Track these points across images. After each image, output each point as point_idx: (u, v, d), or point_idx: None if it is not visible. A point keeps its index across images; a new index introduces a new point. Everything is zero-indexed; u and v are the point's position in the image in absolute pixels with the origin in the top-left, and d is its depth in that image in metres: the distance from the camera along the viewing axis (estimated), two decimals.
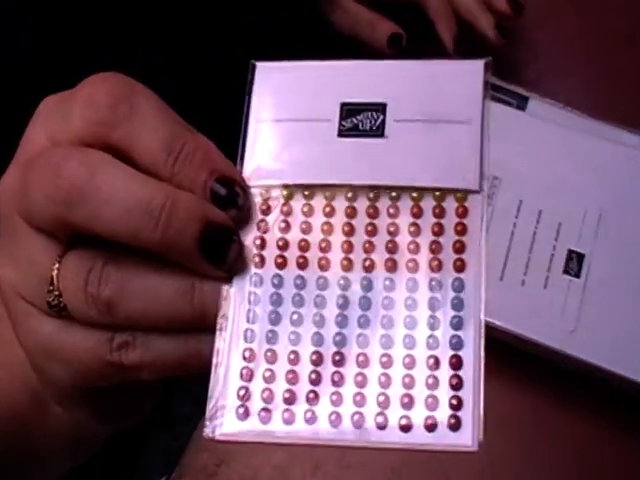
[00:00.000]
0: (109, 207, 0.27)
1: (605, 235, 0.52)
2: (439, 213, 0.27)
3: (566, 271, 0.51)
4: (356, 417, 0.25)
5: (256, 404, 0.26)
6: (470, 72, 0.28)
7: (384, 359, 0.25)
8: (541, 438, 0.51)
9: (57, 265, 0.29)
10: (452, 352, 0.25)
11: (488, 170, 0.27)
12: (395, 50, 0.56)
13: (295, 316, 0.26)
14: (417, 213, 0.27)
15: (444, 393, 0.24)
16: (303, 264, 0.27)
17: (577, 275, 0.51)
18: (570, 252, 0.52)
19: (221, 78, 0.36)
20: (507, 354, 0.51)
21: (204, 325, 0.28)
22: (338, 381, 0.25)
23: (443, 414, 0.24)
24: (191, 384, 0.53)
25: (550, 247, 0.52)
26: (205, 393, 0.47)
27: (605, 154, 0.54)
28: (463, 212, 0.27)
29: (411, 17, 0.60)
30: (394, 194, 0.27)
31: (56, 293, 0.29)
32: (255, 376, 0.26)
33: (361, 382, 0.25)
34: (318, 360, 0.26)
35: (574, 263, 0.51)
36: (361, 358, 0.25)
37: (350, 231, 0.27)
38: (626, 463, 0.51)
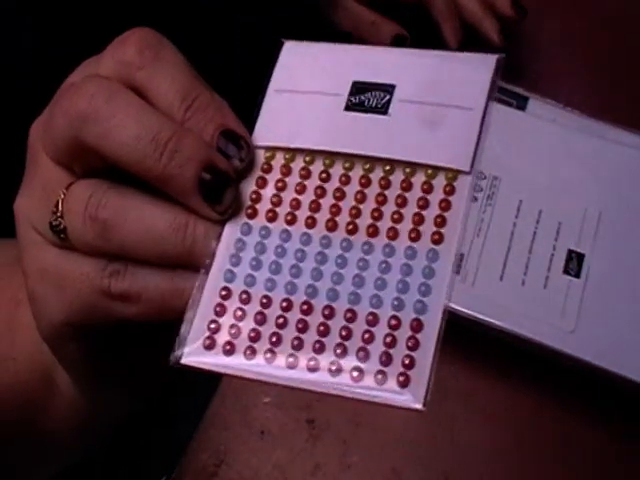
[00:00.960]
0: (120, 130, 0.28)
1: (605, 235, 0.52)
2: (427, 189, 0.28)
3: (566, 271, 0.51)
4: (312, 362, 0.26)
5: (223, 337, 0.28)
6: (481, 65, 0.31)
7: (348, 314, 0.27)
8: (541, 438, 0.51)
9: (64, 191, 0.30)
10: (414, 315, 0.26)
11: (481, 157, 0.28)
12: None
13: (274, 265, 0.28)
14: (406, 187, 0.28)
15: (399, 351, 0.26)
16: (291, 221, 0.29)
17: (577, 275, 0.51)
18: (570, 252, 0.52)
19: (221, 78, 0.37)
20: (507, 354, 0.51)
21: (191, 263, 0.29)
22: (302, 328, 0.27)
23: (394, 370, 0.25)
24: (191, 385, 0.53)
25: (550, 247, 0.52)
26: (204, 389, 0.47)
27: (605, 154, 0.54)
28: (450, 190, 0.28)
29: (413, 18, 0.60)
30: (388, 167, 0.29)
31: (58, 214, 0.30)
32: (227, 313, 0.28)
33: (322, 332, 0.27)
34: (287, 307, 0.27)
35: (574, 263, 0.51)
36: (327, 311, 0.27)
37: (341, 197, 0.29)
38: (626, 463, 0.51)
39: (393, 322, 0.26)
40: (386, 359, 0.26)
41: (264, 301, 0.28)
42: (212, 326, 0.28)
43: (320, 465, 0.50)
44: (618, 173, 0.54)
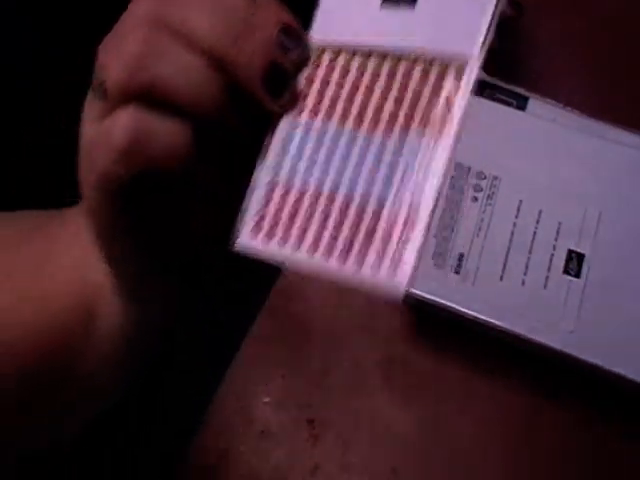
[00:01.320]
0: (197, 17, 0.30)
1: (605, 235, 0.52)
2: (440, 78, 0.30)
3: (566, 271, 0.51)
4: (327, 251, 0.30)
5: (268, 225, 0.31)
6: None
7: (359, 209, 0.30)
8: (541, 438, 0.51)
9: None
10: (408, 213, 0.29)
11: (490, 38, 0.30)
12: None
13: (314, 159, 0.31)
14: (423, 78, 0.31)
15: (392, 246, 0.29)
16: (331, 116, 0.32)
17: (577, 275, 0.51)
18: (570, 252, 0.52)
19: None
20: (507, 354, 0.51)
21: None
22: (324, 219, 0.30)
23: (386, 263, 0.29)
24: (191, 385, 0.53)
25: (550, 247, 0.52)
26: (204, 389, 0.47)
27: (605, 154, 0.54)
28: (458, 79, 0.30)
29: None
30: (412, 58, 0.31)
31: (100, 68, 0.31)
32: (273, 202, 0.31)
33: (338, 223, 0.30)
34: (316, 199, 0.31)
35: (574, 263, 0.52)
36: (344, 206, 0.30)
37: (369, 93, 0.31)
38: (626, 463, 0.51)
39: (391, 218, 0.29)
40: (381, 252, 0.29)
41: (302, 192, 0.31)
42: (260, 214, 0.31)
43: (320, 465, 0.50)
44: (618, 173, 0.54)
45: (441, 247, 0.52)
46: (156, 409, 0.53)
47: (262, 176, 0.32)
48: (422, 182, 0.29)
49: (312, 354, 0.53)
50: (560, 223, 0.52)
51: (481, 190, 0.53)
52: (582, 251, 0.52)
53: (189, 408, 0.52)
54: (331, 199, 0.30)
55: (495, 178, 0.54)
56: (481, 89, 0.57)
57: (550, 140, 0.55)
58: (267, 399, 0.52)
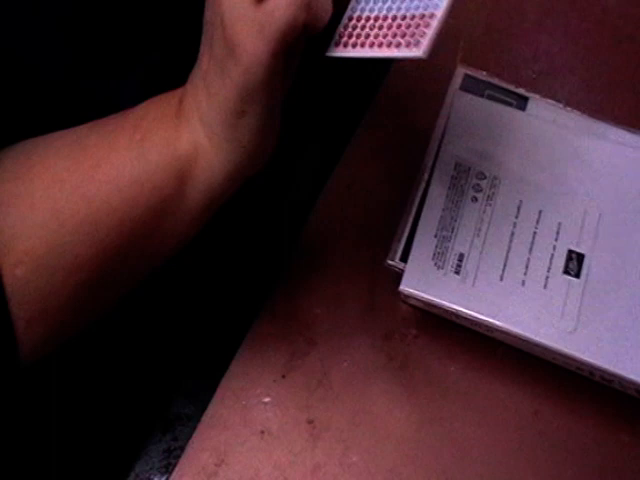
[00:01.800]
0: None
1: (605, 235, 0.52)
2: None
3: (566, 271, 0.51)
4: (379, 42, 0.41)
5: (343, 39, 0.42)
6: None
7: (401, 18, 0.41)
8: (541, 438, 0.51)
9: None
10: (432, 10, 0.39)
11: None
12: None
13: (372, 6, 0.42)
14: None
15: (421, 30, 0.39)
16: None
17: (577, 275, 0.51)
18: (570, 252, 0.52)
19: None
20: (507, 354, 0.52)
21: None
22: (379, 27, 0.41)
23: (415, 40, 0.40)
24: (191, 385, 0.53)
25: (550, 247, 0.52)
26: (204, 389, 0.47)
27: (605, 154, 0.54)
28: None
29: None
30: None
31: None
32: (348, 29, 0.42)
33: (388, 26, 0.41)
34: (368, 18, 0.42)
35: (574, 263, 0.52)
36: (392, 19, 0.41)
37: None
38: (626, 464, 0.51)
39: (418, 17, 0.40)
40: (412, 35, 0.39)
41: (360, 19, 0.42)
42: (340, 36, 0.42)
43: (320, 465, 0.50)
44: (618, 173, 0.54)
45: (441, 247, 0.52)
46: (156, 409, 0.53)
47: (346, 16, 0.42)
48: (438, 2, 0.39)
49: (312, 354, 0.53)
50: (560, 223, 0.53)
51: (481, 190, 0.53)
52: (582, 251, 0.52)
53: (188, 408, 0.52)
54: (383, 18, 0.41)
55: (495, 178, 0.54)
56: (481, 89, 0.57)
57: (550, 140, 0.55)
58: (267, 399, 0.52)
